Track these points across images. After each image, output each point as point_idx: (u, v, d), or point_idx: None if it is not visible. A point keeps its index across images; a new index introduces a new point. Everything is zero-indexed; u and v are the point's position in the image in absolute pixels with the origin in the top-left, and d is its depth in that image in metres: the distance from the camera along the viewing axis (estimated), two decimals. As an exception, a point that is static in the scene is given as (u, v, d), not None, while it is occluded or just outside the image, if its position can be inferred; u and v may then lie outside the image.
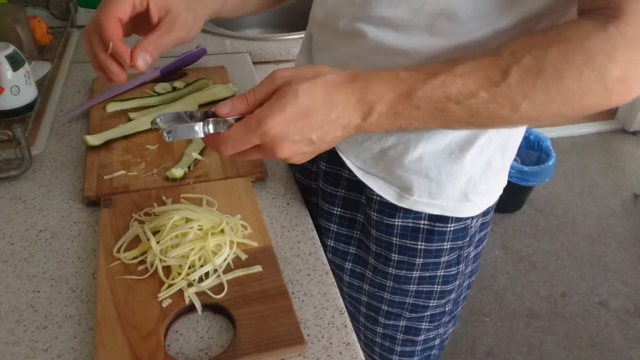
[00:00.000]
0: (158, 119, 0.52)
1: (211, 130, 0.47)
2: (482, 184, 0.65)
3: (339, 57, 0.63)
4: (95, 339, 0.54)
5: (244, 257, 0.64)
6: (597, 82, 0.45)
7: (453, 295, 0.77)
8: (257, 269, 0.63)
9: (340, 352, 0.57)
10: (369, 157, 0.65)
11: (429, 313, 0.77)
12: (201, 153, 0.82)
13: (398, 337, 0.82)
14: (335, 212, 0.76)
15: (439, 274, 0.73)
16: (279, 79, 0.46)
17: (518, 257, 2.07)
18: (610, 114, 2.98)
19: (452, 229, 0.68)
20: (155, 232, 0.65)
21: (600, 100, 0.47)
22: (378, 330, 0.82)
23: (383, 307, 0.78)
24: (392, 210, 0.67)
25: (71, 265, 0.65)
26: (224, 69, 1.08)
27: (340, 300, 0.63)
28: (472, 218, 0.69)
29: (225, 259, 0.63)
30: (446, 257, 0.71)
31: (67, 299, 0.61)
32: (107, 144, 0.83)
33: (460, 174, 0.63)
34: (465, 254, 0.73)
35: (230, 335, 0.57)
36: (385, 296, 0.77)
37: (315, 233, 0.72)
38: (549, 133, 2.69)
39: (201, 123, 0.47)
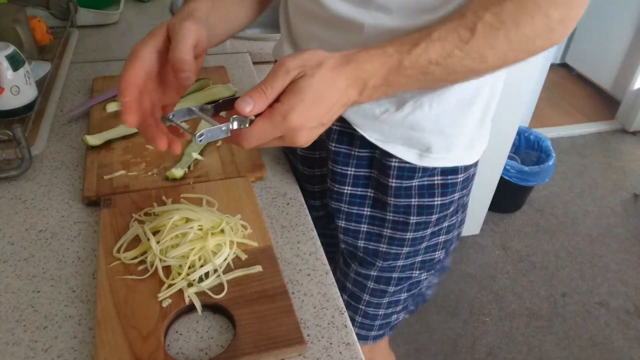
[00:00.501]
0: (171, 116, 0.53)
1: (235, 127, 0.49)
2: (482, 128, 0.72)
3: (336, 47, 0.63)
4: (95, 339, 0.54)
5: (244, 257, 0.64)
6: (544, 25, 0.52)
7: (448, 244, 0.83)
8: (257, 269, 0.63)
9: (340, 352, 0.57)
10: (387, 128, 0.68)
11: (431, 265, 0.84)
12: (201, 153, 0.82)
13: (402, 297, 0.86)
14: (345, 191, 0.77)
15: (444, 225, 0.79)
16: (292, 70, 0.49)
17: (518, 257, 2.07)
18: (610, 114, 2.98)
19: (461, 179, 0.74)
20: (155, 232, 0.65)
21: (545, 42, 0.53)
22: (384, 300, 0.85)
23: (394, 275, 0.82)
24: (411, 172, 0.71)
25: (71, 265, 0.65)
26: (224, 69, 1.08)
27: (340, 300, 0.63)
28: (472, 166, 0.75)
29: (225, 259, 0.63)
30: (452, 208, 0.77)
31: (67, 299, 0.61)
32: (107, 144, 0.83)
33: (468, 124, 0.69)
34: (461, 202, 0.79)
35: (230, 335, 0.57)
36: (398, 264, 0.80)
37: (315, 233, 0.72)
38: (549, 133, 2.69)
39: (228, 123, 0.49)
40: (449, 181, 0.73)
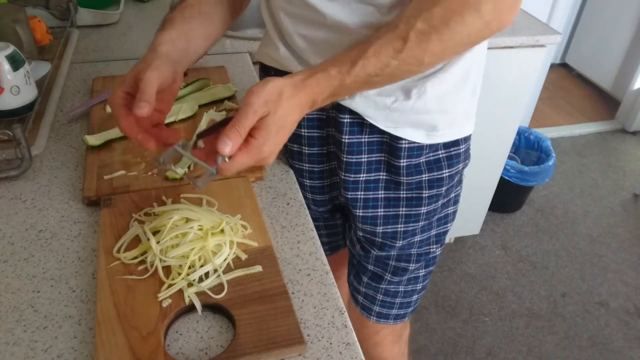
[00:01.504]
0: (161, 159, 0.61)
1: (220, 162, 0.57)
2: (473, 101, 0.79)
3: (337, 46, 0.68)
4: (95, 339, 0.54)
5: (244, 257, 0.64)
6: (477, 20, 0.56)
7: (454, 215, 0.90)
8: (257, 269, 0.63)
9: (340, 352, 0.57)
10: (397, 115, 0.72)
11: (443, 238, 0.89)
12: (201, 153, 0.82)
13: (421, 274, 0.91)
14: (361, 178, 0.80)
15: (452, 196, 0.85)
16: (259, 110, 0.56)
17: (518, 257, 2.07)
18: (610, 114, 2.98)
19: (463, 149, 0.80)
20: (155, 232, 0.65)
21: (483, 33, 0.58)
22: (405, 277, 0.89)
23: (413, 251, 0.87)
24: (419, 150, 0.76)
25: (71, 265, 0.65)
26: (224, 69, 1.08)
27: (340, 300, 0.63)
28: (469, 137, 0.82)
29: (225, 259, 0.63)
30: (456, 178, 0.83)
31: (67, 299, 0.61)
32: (107, 144, 0.83)
33: (464, 99, 0.76)
34: (462, 173, 0.85)
35: (230, 335, 0.57)
36: (415, 239, 0.85)
37: (315, 233, 0.72)
38: (549, 133, 2.69)
39: (215, 166, 0.57)
40: (453, 153, 0.79)
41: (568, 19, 3.08)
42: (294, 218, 0.74)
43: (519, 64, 1.54)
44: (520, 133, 2.19)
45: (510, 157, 2.14)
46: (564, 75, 3.36)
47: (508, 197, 2.17)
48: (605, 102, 3.08)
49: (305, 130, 0.80)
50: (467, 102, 0.77)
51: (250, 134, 0.56)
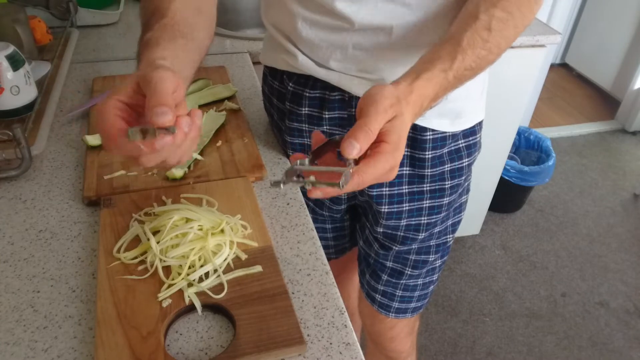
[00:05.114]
0: (282, 179, 0.52)
1: (351, 170, 0.50)
2: (485, 82, 0.81)
3: (365, 51, 0.69)
4: (95, 339, 0.54)
5: (244, 257, 0.64)
6: (536, 4, 0.61)
7: (466, 204, 0.92)
8: (257, 269, 0.63)
9: (340, 352, 0.57)
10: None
11: (457, 227, 0.92)
12: (201, 153, 0.82)
13: (437, 265, 0.91)
14: None
15: (466, 184, 0.87)
16: (389, 110, 0.50)
17: (518, 257, 2.07)
18: (610, 114, 2.98)
19: (478, 138, 0.83)
20: (155, 232, 0.65)
21: (535, 12, 0.62)
22: (424, 270, 0.90)
23: (432, 243, 0.88)
24: (443, 141, 0.78)
25: (71, 265, 0.65)
26: (224, 68, 1.08)
27: (340, 300, 0.63)
28: (481, 127, 0.84)
29: (225, 259, 0.63)
30: (472, 167, 0.86)
31: (67, 299, 0.61)
32: (107, 144, 0.83)
33: (484, 81, 0.80)
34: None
35: (230, 335, 0.57)
36: (435, 230, 0.87)
37: (315, 233, 0.72)
38: (549, 133, 2.69)
39: (342, 179, 0.49)
40: (471, 142, 0.82)
41: (568, 19, 3.08)
42: (294, 218, 0.74)
43: (519, 64, 1.54)
44: (520, 133, 2.19)
45: (510, 157, 2.14)
46: (564, 75, 3.36)
47: (508, 197, 2.17)
48: (605, 102, 3.08)
49: (327, 128, 0.80)
50: (485, 83, 0.80)
51: (380, 139, 0.50)
